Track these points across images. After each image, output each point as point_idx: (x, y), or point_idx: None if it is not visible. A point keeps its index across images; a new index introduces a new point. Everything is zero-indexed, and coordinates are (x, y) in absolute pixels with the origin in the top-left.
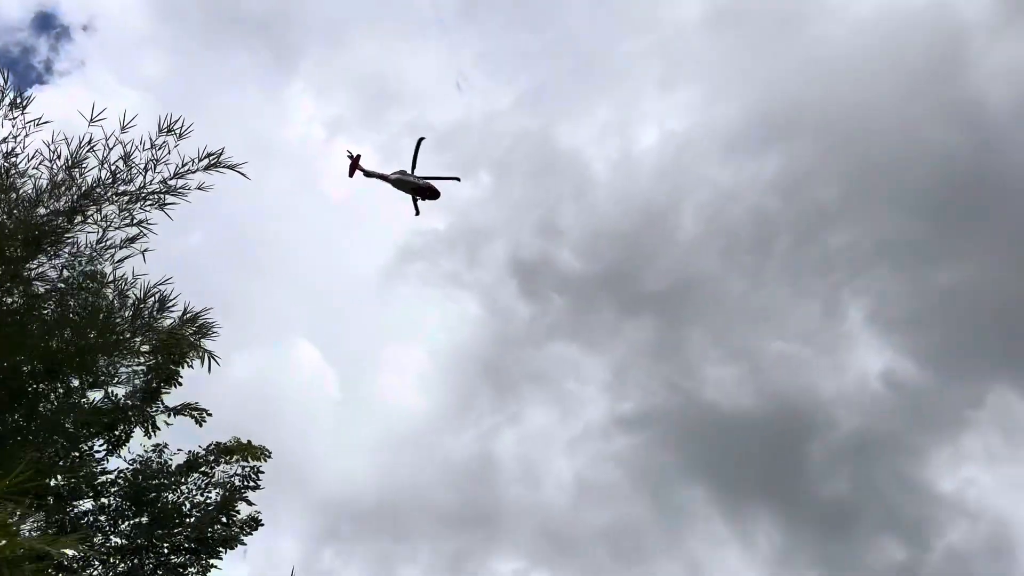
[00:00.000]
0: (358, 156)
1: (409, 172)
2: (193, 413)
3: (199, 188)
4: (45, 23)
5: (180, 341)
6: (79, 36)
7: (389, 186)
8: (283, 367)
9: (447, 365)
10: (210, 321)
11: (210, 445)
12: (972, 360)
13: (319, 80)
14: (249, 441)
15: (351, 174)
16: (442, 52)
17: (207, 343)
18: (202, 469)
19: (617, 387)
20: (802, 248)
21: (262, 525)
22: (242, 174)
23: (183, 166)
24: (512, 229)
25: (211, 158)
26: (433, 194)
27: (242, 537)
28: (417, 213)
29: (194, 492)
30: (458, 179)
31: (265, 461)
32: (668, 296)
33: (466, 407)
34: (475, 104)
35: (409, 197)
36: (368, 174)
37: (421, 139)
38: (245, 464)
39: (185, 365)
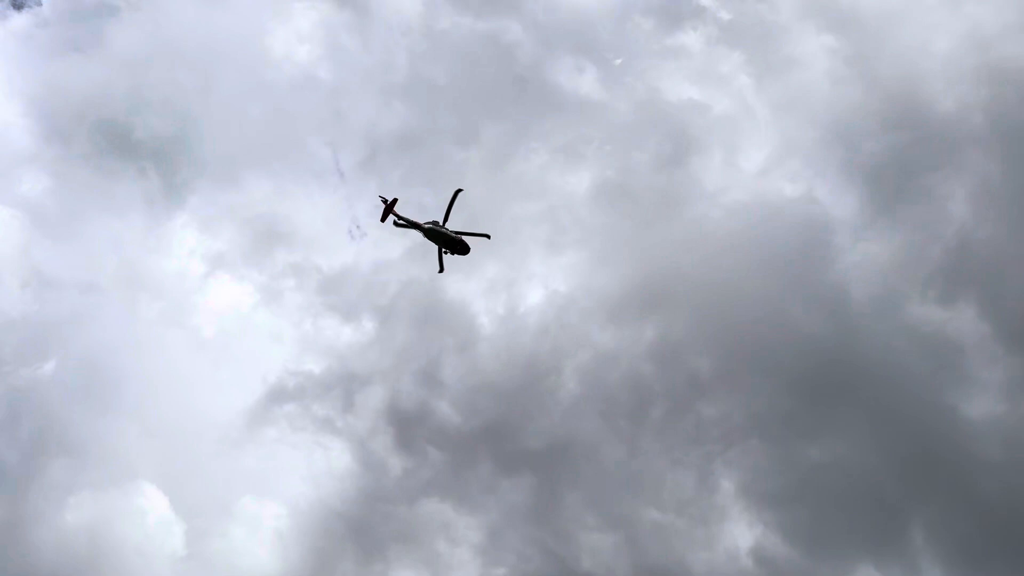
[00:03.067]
0: (393, 201)
1: (442, 224)
2: None
3: None
4: None
5: None
6: None
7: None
8: (124, 514)
9: (308, 521)
10: None
11: None
12: (839, 540)
13: (205, 214)
14: None
15: (383, 219)
16: (338, 200)
17: None
18: None
19: (491, 551)
20: (677, 416)
21: None
22: None
23: None
24: (392, 377)
25: None
26: (463, 249)
27: None
28: (441, 270)
29: None
30: (488, 236)
31: None
32: (546, 456)
33: (325, 570)
34: (365, 251)
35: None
36: (400, 220)
37: (458, 191)
38: None
39: None
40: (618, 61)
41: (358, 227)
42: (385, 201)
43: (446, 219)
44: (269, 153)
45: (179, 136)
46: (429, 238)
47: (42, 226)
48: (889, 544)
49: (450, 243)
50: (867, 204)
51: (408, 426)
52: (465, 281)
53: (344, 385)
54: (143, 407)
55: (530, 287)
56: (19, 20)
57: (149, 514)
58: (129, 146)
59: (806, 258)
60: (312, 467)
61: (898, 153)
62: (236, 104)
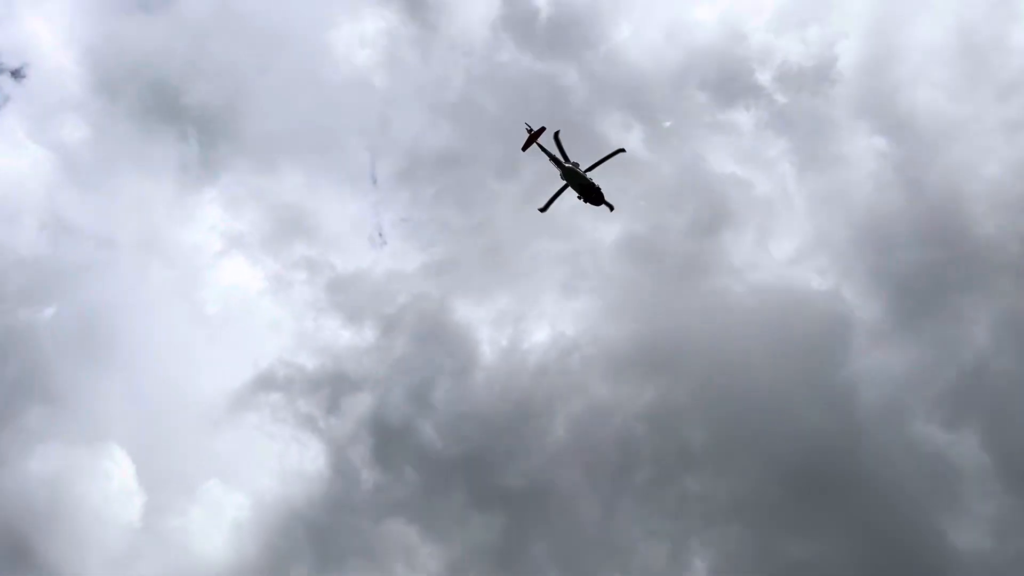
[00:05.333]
0: (540, 130)
1: (570, 163)
2: None
3: None
4: None
5: None
6: (5, 80)
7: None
8: (88, 473)
9: (270, 517)
10: None
11: None
12: None
13: (234, 193)
14: None
15: (525, 148)
16: (366, 206)
17: None
18: None
19: None
20: (661, 485)
21: None
22: None
23: None
24: (382, 388)
25: None
26: (598, 199)
27: None
28: (544, 209)
29: None
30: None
31: None
32: (522, 498)
33: (278, 570)
34: (382, 259)
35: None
36: (545, 151)
37: (620, 150)
38: None
39: None
40: (667, 123)
41: (380, 235)
42: (530, 129)
43: (591, 168)
44: (309, 145)
45: (225, 109)
46: (565, 178)
47: (72, 172)
48: None
49: (586, 189)
50: (891, 312)
51: (389, 441)
52: (474, 307)
53: (333, 385)
54: (131, 370)
55: (538, 325)
56: None
57: (113, 478)
58: (175, 109)
59: (820, 353)
60: (284, 463)
61: (931, 267)
62: (287, 90)
